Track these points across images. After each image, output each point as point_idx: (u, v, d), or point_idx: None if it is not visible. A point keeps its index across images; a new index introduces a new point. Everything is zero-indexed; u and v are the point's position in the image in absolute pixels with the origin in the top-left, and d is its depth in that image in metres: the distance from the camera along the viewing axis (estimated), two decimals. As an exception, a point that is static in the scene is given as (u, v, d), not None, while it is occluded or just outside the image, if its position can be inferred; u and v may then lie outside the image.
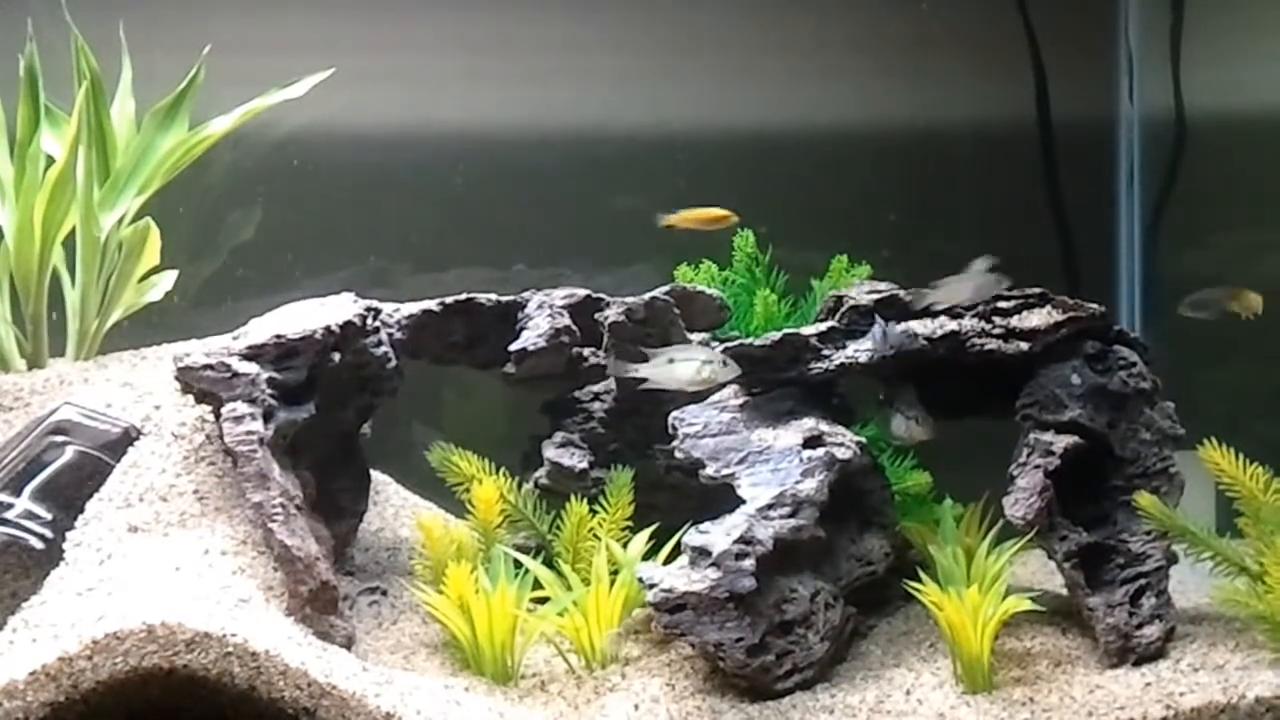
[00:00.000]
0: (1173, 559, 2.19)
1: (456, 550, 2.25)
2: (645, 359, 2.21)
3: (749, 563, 2.03)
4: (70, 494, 2.12)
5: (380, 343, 2.34)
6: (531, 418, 2.51)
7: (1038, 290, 2.33)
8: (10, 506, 2.09)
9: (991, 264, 2.22)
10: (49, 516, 2.09)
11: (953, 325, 2.28)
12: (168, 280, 2.75)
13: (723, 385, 2.23)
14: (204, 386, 2.13)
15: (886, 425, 2.26)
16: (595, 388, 2.46)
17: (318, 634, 2.00)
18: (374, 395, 2.35)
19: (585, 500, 2.33)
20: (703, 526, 2.09)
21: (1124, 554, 2.18)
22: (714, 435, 2.22)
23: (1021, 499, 2.16)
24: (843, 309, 2.32)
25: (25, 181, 2.58)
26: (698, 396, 2.28)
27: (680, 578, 2.03)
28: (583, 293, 2.47)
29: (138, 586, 1.92)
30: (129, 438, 2.21)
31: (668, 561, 2.16)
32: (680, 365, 2.19)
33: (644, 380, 2.21)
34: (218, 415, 2.14)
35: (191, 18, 2.81)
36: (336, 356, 2.23)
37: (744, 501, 2.12)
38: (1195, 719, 1.93)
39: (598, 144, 3.04)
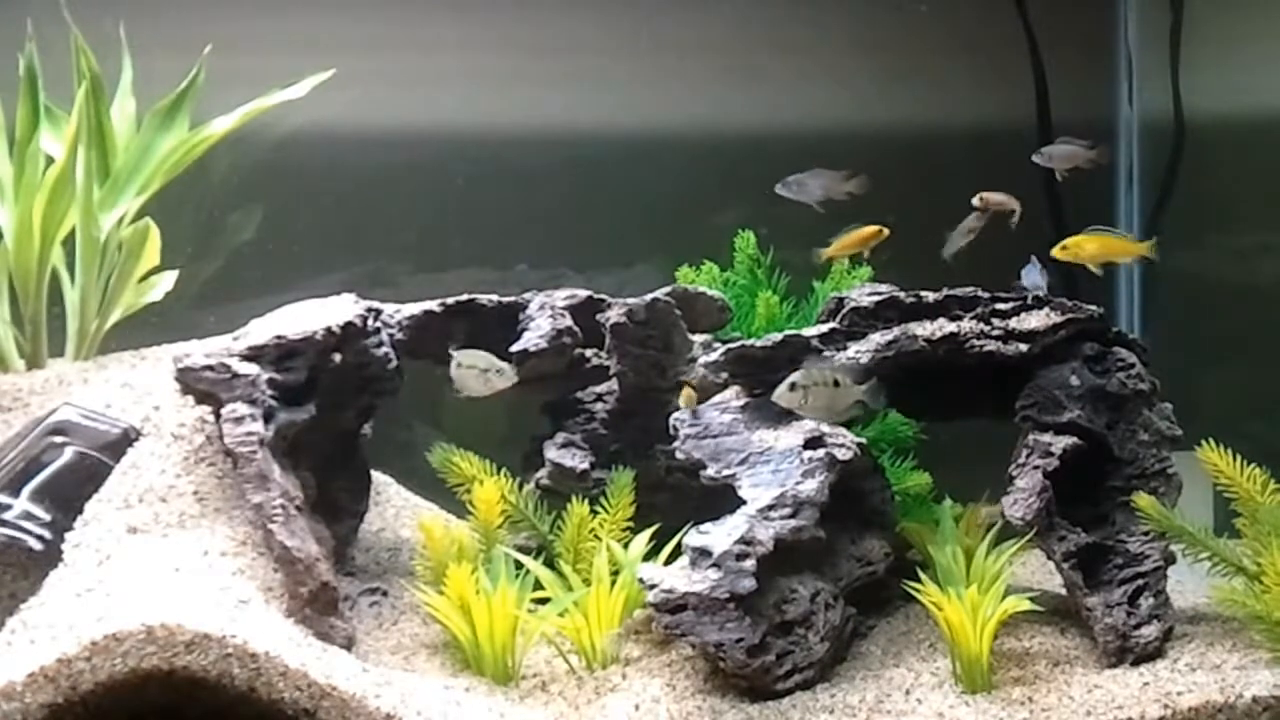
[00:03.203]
0: (1170, 559, 2.20)
1: (457, 551, 2.25)
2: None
3: (749, 563, 2.03)
4: (69, 495, 2.12)
5: (381, 343, 2.34)
6: (532, 418, 2.51)
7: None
8: (9, 507, 2.08)
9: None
10: (48, 517, 2.09)
11: (952, 327, 2.28)
12: (168, 280, 2.75)
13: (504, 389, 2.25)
14: (204, 387, 2.12)
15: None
16: (597, 388, 2.46)
17: (318, 635, 1.99)
18: (375, 396, 2.35)
19: (586, 501, 2.33)
20: (703, 527, 2.09)
21: (1122, 554, 2.19)
22: (715, 436, 2.22)
23: (1020, 499, 2.16)
24: (844, 311, 2.32)
25: (25, 181, 2.57)
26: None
27: (681, 578, 2.03)
28: (584, 294, 2.47)
29: (137, 588, 1.92)
30: (128, 438, 2.21)
31: (668, 562, 2.16)
32: (465, 371, 2.24)
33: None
34: (218, 416, 2.14)
35: (191, 18, 2.81)
36: (337, 357, 2.22)
37: (745, 502, 2.12)
38: (1193, 718, 1.93)
39: (599, 144, 3.04)
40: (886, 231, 2.44)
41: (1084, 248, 2.34)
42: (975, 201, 2.44)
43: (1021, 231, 2.53)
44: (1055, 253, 2.36)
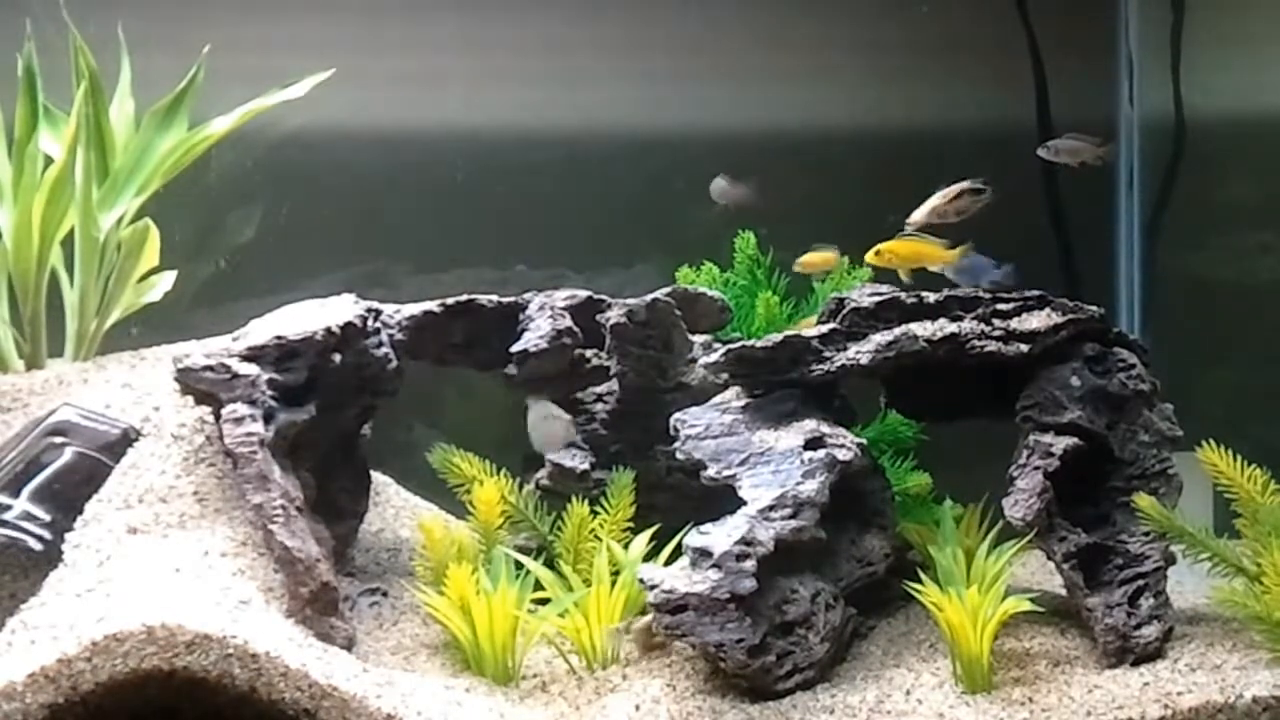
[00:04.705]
0: (1171, 560, 2.20)
1: (457, 551, 2.25)
2: None
3: (750, 564, 2.03)
4: (69, 495, 2.12)
5: (381, 344, 2.34)
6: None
7: (1037, 292, 2.34)
8: (9, 508, 2.08)
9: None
10: (48, 518, 2.09)
11: (953, 328, 2.28)
12: (167, 280, 2.74)
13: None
14: (204, 388, 2.12)
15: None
16: (597, 389, 2.47)
17: (318, 635, 2.00)
18: (374, 396, 2.35)
19: (586, 501, 2.33)
20: (704, 528, 2.09)
21: (1122, 555, 2.19)
22: (715, 436, 2.22)
23: (1021, 500, 2.16)
24: (844, 311, 2.32)
25: (23, 181, 2.57)
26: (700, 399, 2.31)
27: (681, 579, 2.03)
28: (584, 294, 2.47)
29: (137, 588, 1.92)
30: (128, 439, 2.21)
31: (669, 562, 2.16)
32: (552, 423, 2.33)
33: None
34: (217, 416, 2.14)
35: (191, 18, 2.81)
36: (337, 357, 2.22)
37: (745, 503, 2.12)
38: (1193, 719, 1.94)
39: (599, 144, 3.04)
40: (844, 262, 2.54)
41: (897, 253, 2.37)
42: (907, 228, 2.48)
43: (1021, 232, 2.54)
44: (868, 258, 2.42)
